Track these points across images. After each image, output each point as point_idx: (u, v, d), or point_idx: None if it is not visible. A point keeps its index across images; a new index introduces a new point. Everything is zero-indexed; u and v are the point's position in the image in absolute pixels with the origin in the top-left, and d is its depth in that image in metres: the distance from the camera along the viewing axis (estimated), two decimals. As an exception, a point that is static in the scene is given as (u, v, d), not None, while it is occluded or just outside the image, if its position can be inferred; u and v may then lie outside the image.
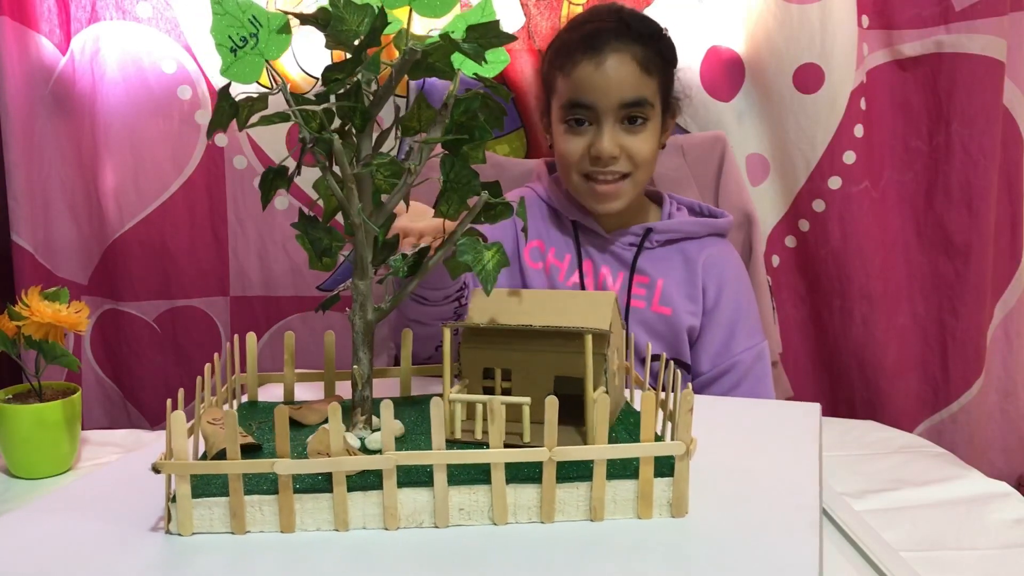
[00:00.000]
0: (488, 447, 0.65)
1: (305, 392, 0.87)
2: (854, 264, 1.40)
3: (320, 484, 0.64)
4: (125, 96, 1.39)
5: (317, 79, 1.39)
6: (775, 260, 1.45)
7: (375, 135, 0.73)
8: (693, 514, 0.66)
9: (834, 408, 1.47)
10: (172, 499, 0.63)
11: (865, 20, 1.37)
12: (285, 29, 0.68)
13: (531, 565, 0.60)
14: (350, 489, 0.64)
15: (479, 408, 0.70)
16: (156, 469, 0.62)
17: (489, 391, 0.74)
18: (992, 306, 1.45)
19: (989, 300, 1.44)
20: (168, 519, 0.64)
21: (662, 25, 1.21)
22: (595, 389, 0.69)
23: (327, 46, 0.70)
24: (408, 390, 0.86)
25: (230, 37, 0.67)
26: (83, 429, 0.96)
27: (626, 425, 0.74)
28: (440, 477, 0.64)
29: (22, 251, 1.39)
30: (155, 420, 1.48)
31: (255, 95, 0.69)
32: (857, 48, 1.36)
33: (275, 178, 0.73)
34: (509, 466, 0.65)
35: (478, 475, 0.65)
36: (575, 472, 0.65)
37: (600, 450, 0.64)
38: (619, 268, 1.20)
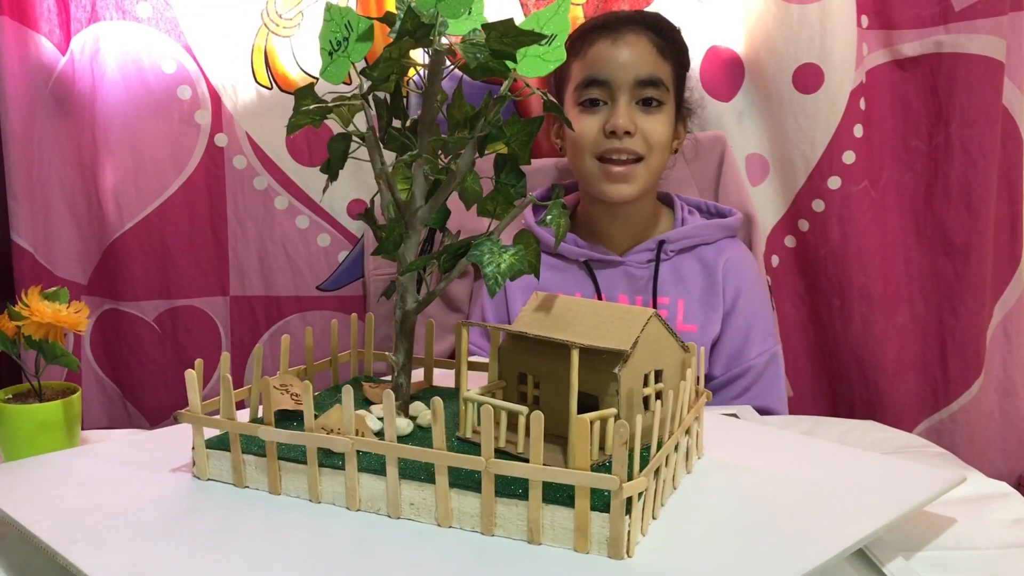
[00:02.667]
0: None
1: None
2: (853, 264, 1.40)
3: (303, 456, 0.70)
4: (125, 96, 1.39)
5: (316, 79, 1.39)
6: (775, 260, 1.45)
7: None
8: (639, 558, 0.60)
9: (834, 408, 1.47)
10: (193, 447, 0.74)
11: (865, 20, 1.37)
12: (367, 35, 0.73)
13: (455, 573, 0.60)
14: (329, 466, 0.69)
15: (490, 411, 0.70)
16: (176, 418, 0.74)
17: (523, 395, 0.74)
18: (991, 306, 1.45)
19: (988, 300, 1.44)
20: (193, 463, 0.75)
21: (676, 26, 1.24)
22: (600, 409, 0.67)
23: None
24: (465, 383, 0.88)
25: (330, 41, 0.73)
26: (83, 429, 0.96)
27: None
28: (392, 470, 0.66)
29: (22, 251, 1.39)
30: (155, 420, 1.48)
31: (348, 95, 0.74)
32: (857, 48, 1.36)
33: (329, 170, 0.78)
34: (460, 471, 0.64)
35: (428, 474, 0.65)
36: (519, 489, 0.63)
37: (534, 470, 0.61)
38: (636, 293, 1.20)
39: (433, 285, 0.78)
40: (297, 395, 0.77)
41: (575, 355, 0.64)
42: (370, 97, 0.74)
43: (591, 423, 0.62)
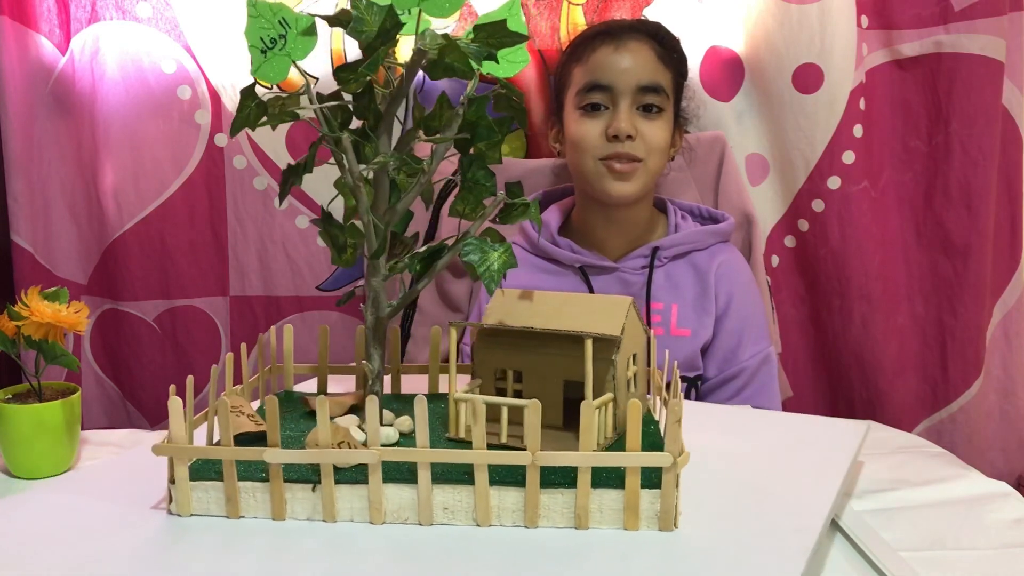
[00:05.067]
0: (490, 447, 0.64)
1: (338, 385, 0.88)
2: (853, 264, 1.40)
3: (311, 475, 0.65)
4: (125, 96, 1.39)
5: (316, 79, 1.39)
6: (775, 260, 1.45)
7: (401, 134, 0.74)
8: (684, 529, 0.64)
9: (834, 408, 1.47)
10: (172, 480, 0.66)
11: (864, 20, 1.37)
12: (311, 31, 0.70)
13: (509, 569, 0.60)
14: (338, 482, 0.65)
15: (537, 406, 0.70)
16: (156, 451, 0.66)
17: (502, 392, 0.73)
18: (991, 306, 1.45)
19: (988, 300, 1.44)
20: (170, 499, 0.67)
21: (676, 35, 1.25)
22: (600, 395, 0.69)
23: (360, 47, 0.71)
24: (436, 387, 0.88)
25: (261, 39, 0.70)
26: (83, 429, 0.96)
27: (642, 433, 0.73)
28: (424, 475, 0.64)
29: (22, 251, 1.39)
30: (155, 420, 1.48)
31: (284, 94, 0.71)
32: (856, 48, 1.36)
33: (290, 175, 0.75)
34: (495, 468, 0.64)
35: (463, 475, 0.65)
36: (561, 478, 0.64)
37: (584, 457, 0.63)
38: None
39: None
40: (252, 415, 0.73)
41: (589, 344, 0.67)
42: (315, 97, 0.71)
43: (601, 407, 0.65)
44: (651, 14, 1.39)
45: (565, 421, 0.72)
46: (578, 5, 1.40)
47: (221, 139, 1.42)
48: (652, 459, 0.63)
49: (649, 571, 0.60)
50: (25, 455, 0.89)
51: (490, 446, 0.67)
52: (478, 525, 0.65)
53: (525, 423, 0.62)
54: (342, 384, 0.89)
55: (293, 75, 1.44)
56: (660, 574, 0.60)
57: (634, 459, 0.63)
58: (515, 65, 0.73)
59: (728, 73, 1.41)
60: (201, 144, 1.42)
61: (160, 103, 1.40)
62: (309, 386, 0.90)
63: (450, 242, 0.73)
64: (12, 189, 1.37)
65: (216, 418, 0.69)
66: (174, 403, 0.65)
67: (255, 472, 0.66)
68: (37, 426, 0.88)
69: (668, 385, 0.73)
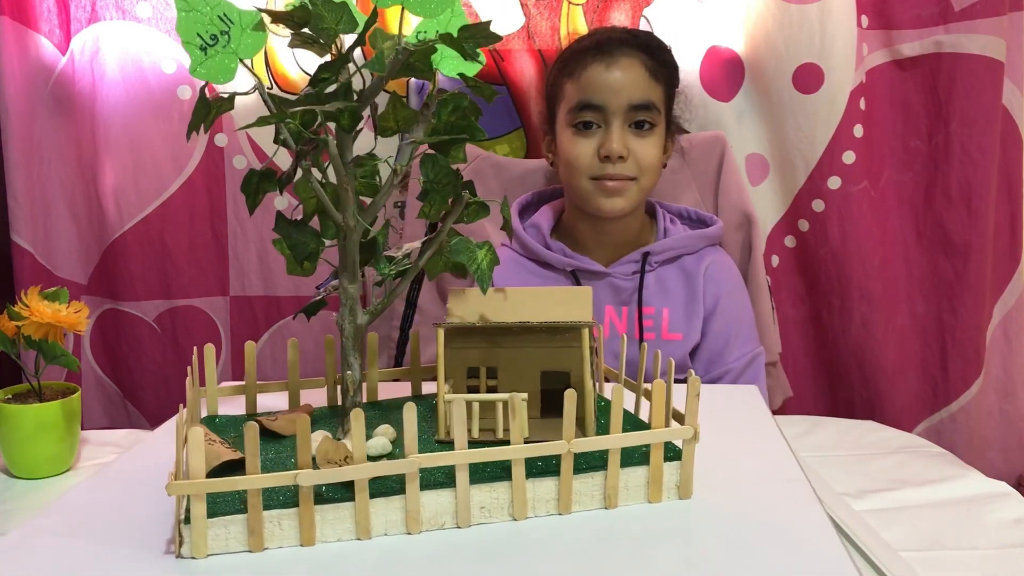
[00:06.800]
0: (488, 445, 0.65)
1: (269, 402, 0.84)
2: (853, 264, 1.40)
3: (339, 493, 0.62)
4: (125, 96, 1.39)
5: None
6: (775, 260, 1.45)
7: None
8: (697, 495, 0.68)
9: (834, 408, 1.47)
10: (185, 520, 0.59)
11: (864, 20, 1.37)
12: (259, 27, 0.67)
13: (555, 556, 0.61)
14: (371, 496, 0.62)
15: (475, 407, 0.70)
16: (170, 490, 0.58)
17: (474, 390, 0.74)
18: (991, 306, 1.45)
19: (988, 300, 1.44)
20: (179, 542, 0.59)
21: (667, 44, 1.25)
22: (584, 381, 0.71)
23: (291, 45, 0.68)
24: (375, 394, 0.86)
25: (198, 35, 0.65)
26: (83, 429, 0.96)
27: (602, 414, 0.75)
28: (462, 477, 0.64)
29: (22, 251, 1.39)
30: (155, 420, 1.48)
31: (225, 95, 0.67)
32: (856, 48, 1.36)
33: (260, 181, 0.72)
34: (526, 461, 0.65)
35: (496, 472, 0.65)
36: (587, 463, 0.66)
37: (615, 439, 0.65)
38: (622, 304, 1.21)
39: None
40: (223, 443, 0.69)
41: (586, 333, 0.70)
42: (266, 97, 0.68)
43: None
44: (651, 14, 1.39)
45: (542, 410, 0.73)
46: (578, 5, 1.40)
47: (221, 139, 1.42)
48: (676, 433, 0.66)
49: (689, 535, 0.64)
50: (25, 455, 0.89)
51: (474, 443, 0.67)
52: (515, 519, 0.65)
53: (565, 412, 0.64)
54: (273, 400, 0.85)
55: (295, 76, 1.44)
56: (701, 536, 0.63)
57: (660, 435, 0.66)
58: (474, 65, 0.73)
59: (728, 73, 1.41)
60: (201, 144, 1.42)
61: (160, 103, 1.40)
62: (236, 405, 0.83)
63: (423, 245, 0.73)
64: (12, 189, 1.37)
65: (187, 447, 0.61)
66: (195, 434, 0.57)
67: (275, 499, 0.61)
68: (37, 426, 0.88)
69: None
